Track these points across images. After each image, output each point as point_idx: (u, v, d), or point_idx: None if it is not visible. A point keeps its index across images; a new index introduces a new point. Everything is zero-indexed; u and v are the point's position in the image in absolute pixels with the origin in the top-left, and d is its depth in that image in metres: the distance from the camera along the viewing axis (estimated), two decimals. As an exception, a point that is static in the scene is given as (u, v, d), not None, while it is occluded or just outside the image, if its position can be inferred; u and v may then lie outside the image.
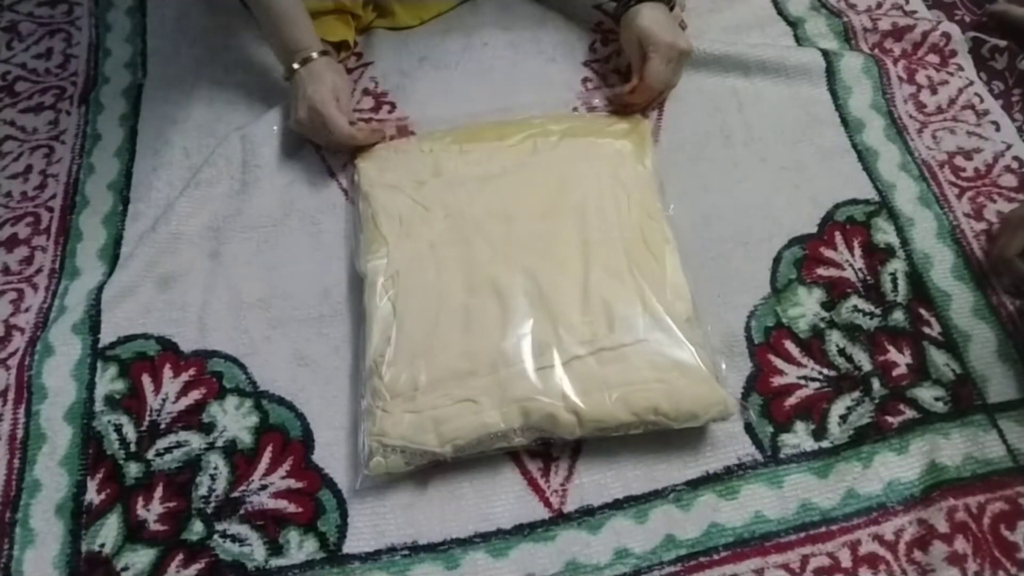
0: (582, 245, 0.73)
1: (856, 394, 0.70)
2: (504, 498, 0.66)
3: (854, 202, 0.80)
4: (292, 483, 0.67)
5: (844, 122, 0.86)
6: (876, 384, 0.70)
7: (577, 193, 0.77)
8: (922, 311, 0.74)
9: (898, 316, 0.74)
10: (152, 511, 0.66)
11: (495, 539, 0.65)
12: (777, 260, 0.77)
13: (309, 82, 0.81)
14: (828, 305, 0.74)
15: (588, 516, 0.65)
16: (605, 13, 0.95)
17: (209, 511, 0.66)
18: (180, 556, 0.64)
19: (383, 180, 0.80)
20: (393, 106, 0.90)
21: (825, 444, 0.68)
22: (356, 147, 0.83)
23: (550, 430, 0.65)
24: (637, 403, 0.65)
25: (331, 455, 0.69)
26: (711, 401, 0.66)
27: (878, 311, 0.74)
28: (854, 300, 0.75)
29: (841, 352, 0.72)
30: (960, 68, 0.90)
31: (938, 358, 0.71)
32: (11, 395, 0.71)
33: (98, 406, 0.71)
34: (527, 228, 0.75)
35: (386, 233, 0.76)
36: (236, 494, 0.67)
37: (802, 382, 0.71)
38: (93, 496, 0.67)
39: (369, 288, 0.73)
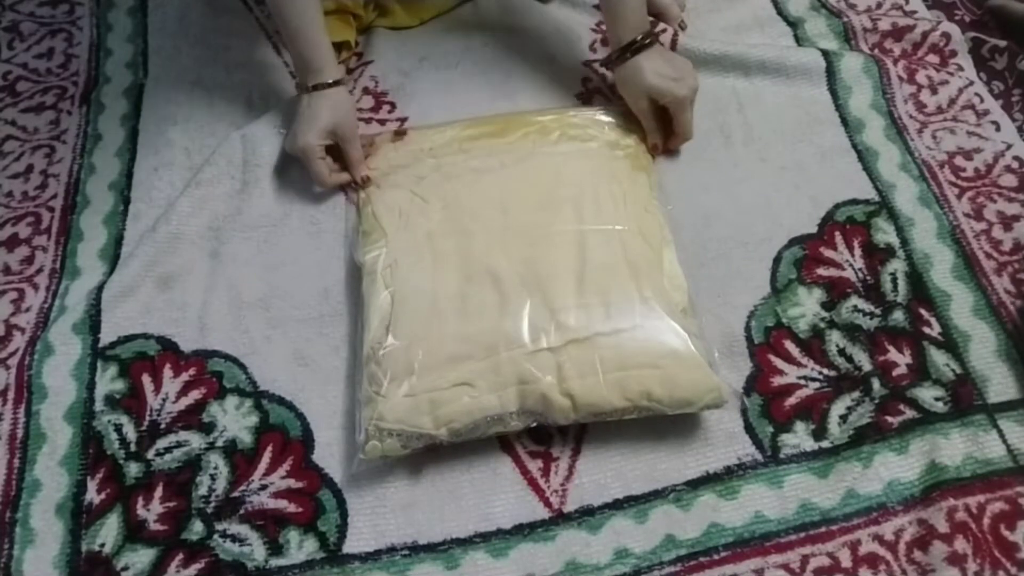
0: (578, 235, 0.73)
1: (856, 394, 0.70)
2: (504, 498, 0.66)
3: (854, 202, 0.80)
4: (292, 483, 0.67)
5: (844, 122, 0.86)
6: (876, 384, 0.70)
7: (573, 187, 0.77)
8: (922, 311, 0.74)
9: (898, 316, 0.74)
10: (152, 511, 0.66)
11: (495, 539, 0.65)
12: (777, 260, 0.77)
13: (304, 119, 0.79)
14: (828, 305, 0.74)
15: (588, 516, 0.65)
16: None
17: (209, 511, 0.66)
18: (180, 556, 0.64)
19: (383, 175, 0.81)
20: (393, 106, 0.91)
21: (825, 444, 0.68)
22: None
23: (545, 414, 0.65)
24: (631, 388, 0.65)
25: (331, 455, 0.69)
26: (705, 388, 0.66)
27: (878, 311, 0.74)
28: (854, 300, 0.74)
29: (841, 352, 0.72)
30: (960, 68, 0.90)
31: (938, 358, 0.71)
32: (11, 395, 0.71)
33: (98, 406, 0.71)
34: (524, 218, 0.75)
35: (385, 225, 0.76)
36: (236, 494, 0.67)
37: (802, 382, 0.71)
38: (93, 496, 0.67)
39: (367, 277, 0.73)
